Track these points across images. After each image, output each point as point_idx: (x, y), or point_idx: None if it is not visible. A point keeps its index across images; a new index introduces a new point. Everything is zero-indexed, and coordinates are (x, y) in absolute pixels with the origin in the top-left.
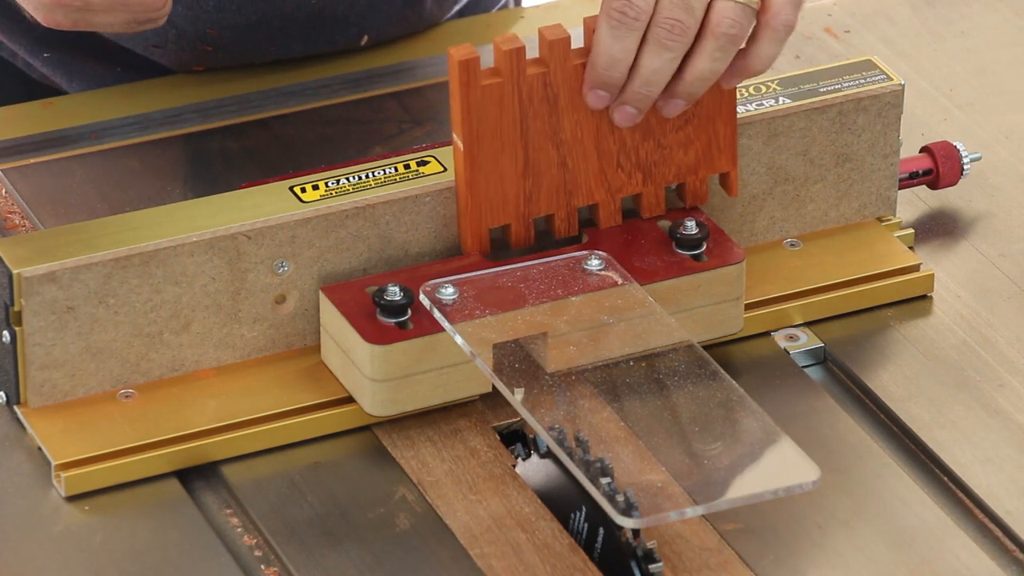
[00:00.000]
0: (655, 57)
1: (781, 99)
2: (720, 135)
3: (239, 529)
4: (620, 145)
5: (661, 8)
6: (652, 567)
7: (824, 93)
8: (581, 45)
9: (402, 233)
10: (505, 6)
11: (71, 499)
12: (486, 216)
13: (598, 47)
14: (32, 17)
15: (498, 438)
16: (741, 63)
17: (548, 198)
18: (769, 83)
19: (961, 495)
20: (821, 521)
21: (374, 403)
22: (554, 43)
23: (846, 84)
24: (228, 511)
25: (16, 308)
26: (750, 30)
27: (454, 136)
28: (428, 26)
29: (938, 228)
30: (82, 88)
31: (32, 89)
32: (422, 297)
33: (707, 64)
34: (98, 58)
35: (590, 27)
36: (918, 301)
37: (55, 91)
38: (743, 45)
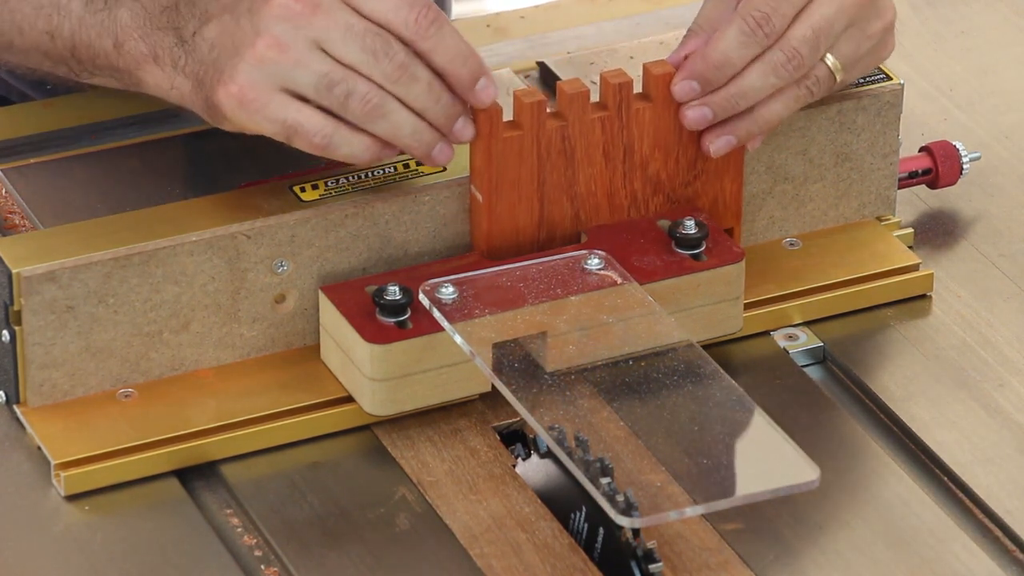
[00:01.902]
0: (762, 78)
1: None
2: (727, 191)
3: (239, 529)
4: (631, 200)
5: (791, 37)
6: (652, 567)
7: None
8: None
9: (401, 232)
10: None
11: (71, 498)
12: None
13: (720, 44)
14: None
15: (498, 438)
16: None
17: (560, 249)
18: None
19: (961, 495)
20: (821, 521)
21: (373, 403)
22: (574, 97)
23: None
24: (228, 511)
25: (16, 307)
26: (828, 92)
27: (472, 188)
28: None
29: (938, 228)
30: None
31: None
32: (421, 297)
33: (779, 105)
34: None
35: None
36: (918, 301)
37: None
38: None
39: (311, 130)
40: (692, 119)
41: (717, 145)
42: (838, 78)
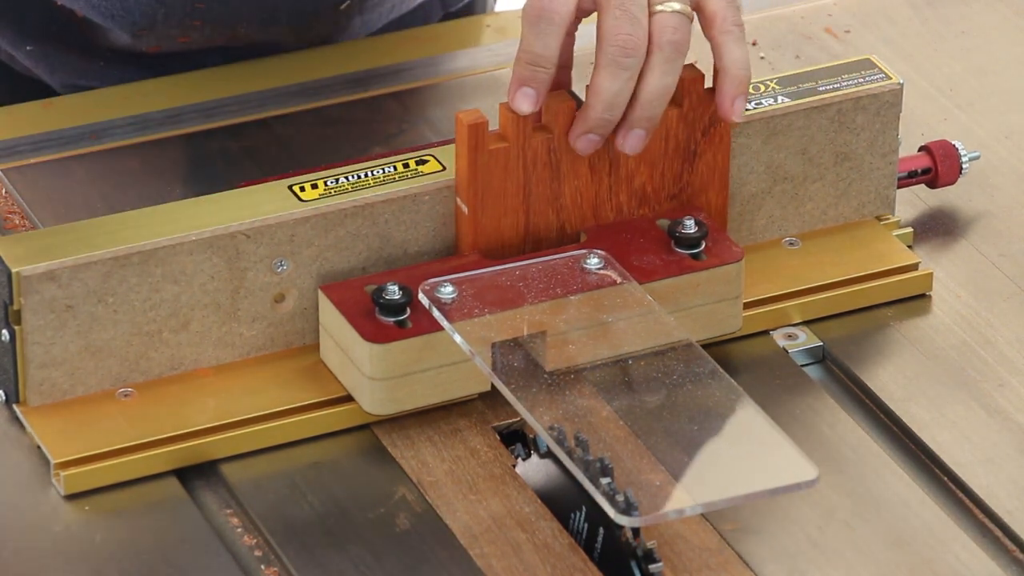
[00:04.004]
0: (612, 78)
1: (780, 98)
2: (712, 204)
3: (239, 529)
4: (617, 212)
5: (607, 28)
6: (652, 567)
7: (823, 92)
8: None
9: (401, 232)
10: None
11: (70, 498)
12: None
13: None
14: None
15: (498, 438)
16: (723, 77)
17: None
18: (768, 82)
19: (961, 495)
20: (821, 521)
21: (373, 402)
22: (559, 109)
23: (845, 83)
24: (228, 511)
25: (15, 307)
26: (690, 37)
27: (458, 200)
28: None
29: (937, 227)
30: (64, 81)
31: (15, 82)
32: (421, 296)
33: (659, 79)
34: (81, 51)
35: None
36: (917, 300)
37: (37, 83)
38: (687, 55)
39: None
40: (583, 149)
41: (630, 144)
42: (689, 14)
